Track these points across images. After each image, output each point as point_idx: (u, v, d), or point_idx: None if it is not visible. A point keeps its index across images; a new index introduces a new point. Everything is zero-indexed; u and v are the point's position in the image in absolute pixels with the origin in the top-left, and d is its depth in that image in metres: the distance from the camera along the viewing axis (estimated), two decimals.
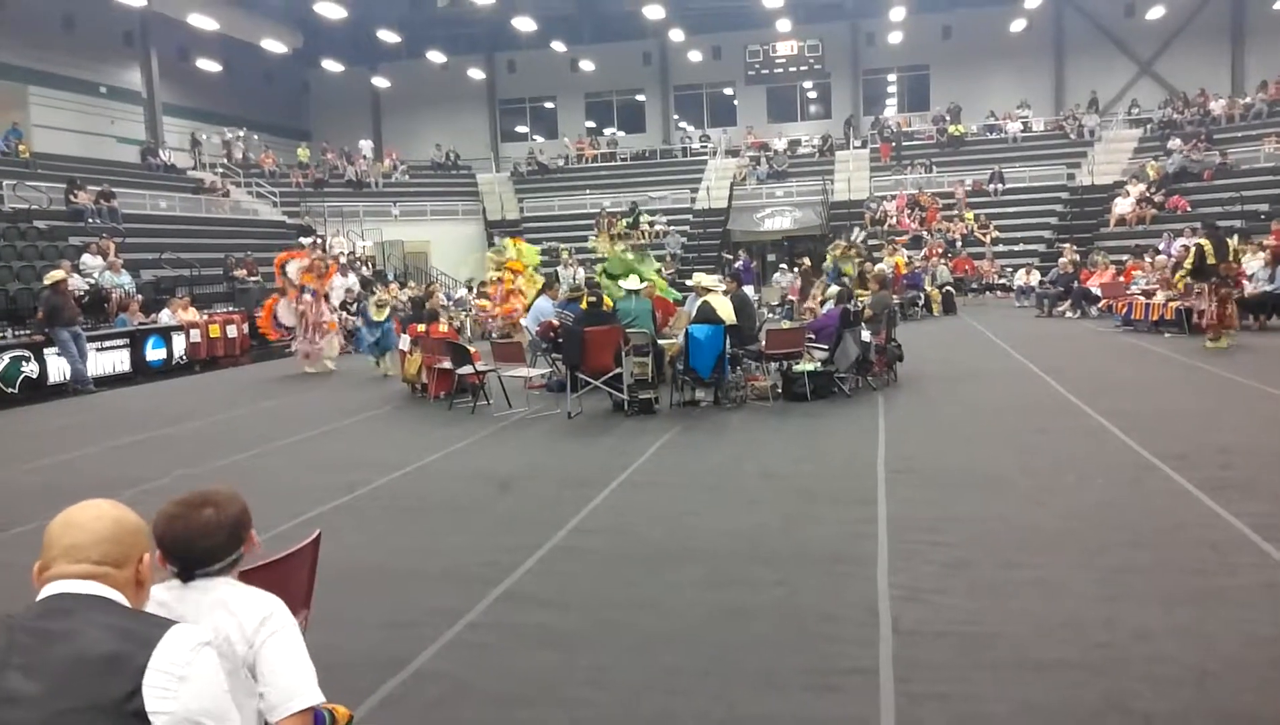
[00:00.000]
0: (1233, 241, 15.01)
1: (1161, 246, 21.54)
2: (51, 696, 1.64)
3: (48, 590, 1.82)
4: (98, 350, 15.52)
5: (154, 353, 16.69)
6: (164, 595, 2.24)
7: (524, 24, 32.88)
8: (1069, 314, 19.84)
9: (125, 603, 1.85)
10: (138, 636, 1.74)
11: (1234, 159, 27.60)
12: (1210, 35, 34.94)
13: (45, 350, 14.48)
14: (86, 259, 18.75)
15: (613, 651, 4.34)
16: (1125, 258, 21.46)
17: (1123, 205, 27.09)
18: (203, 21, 30.67)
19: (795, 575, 5.19)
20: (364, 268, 28.18)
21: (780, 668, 4.10)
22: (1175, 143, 29.29)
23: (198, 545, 2.29)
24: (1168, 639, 4.13)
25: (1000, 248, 28.31)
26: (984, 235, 28.80)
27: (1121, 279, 19.33)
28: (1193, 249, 14.38)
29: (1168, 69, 35.48)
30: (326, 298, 16.22)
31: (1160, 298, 16.08)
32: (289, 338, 16.62)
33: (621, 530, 6.22)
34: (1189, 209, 25.76)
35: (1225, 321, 13.72)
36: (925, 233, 28.60)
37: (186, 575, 2.29)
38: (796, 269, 24.73)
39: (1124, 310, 17.08)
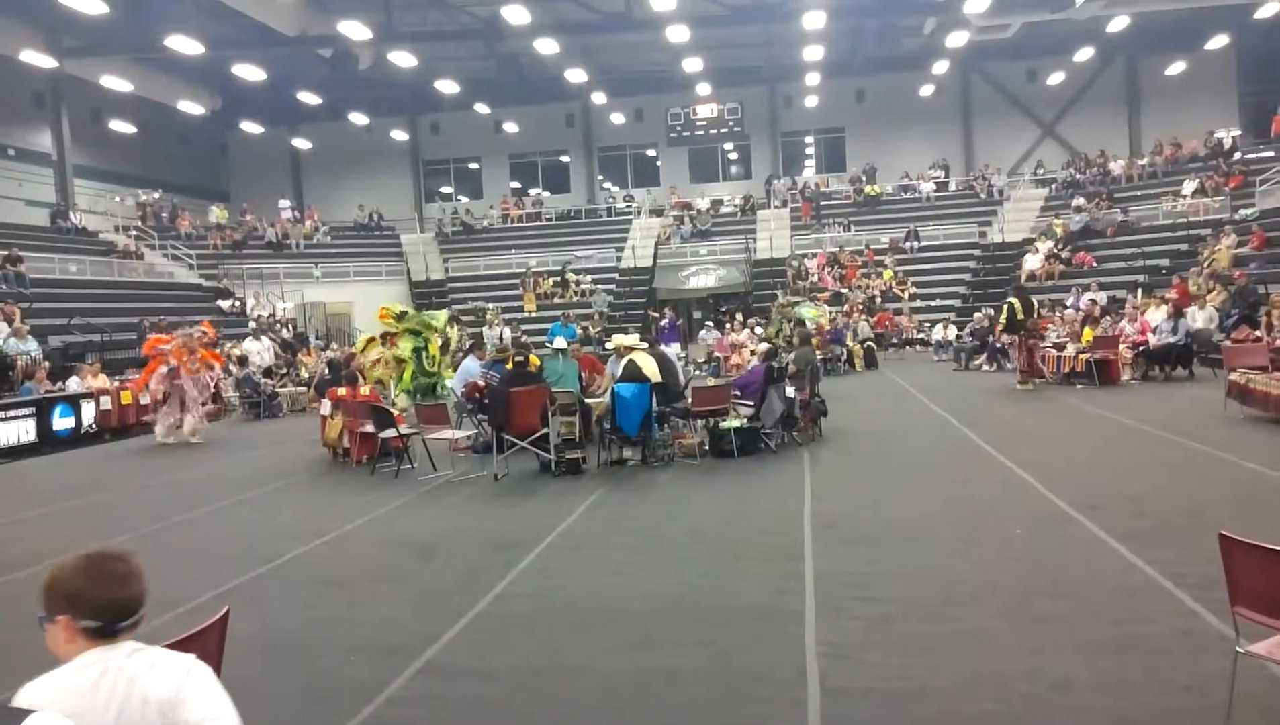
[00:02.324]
0: (1036, 302, 17.48)
1: (1070, 301, 22.31)
2: None
3: None
4: (1, 420, 14.89)
5: (61, 422, 16.04)
6: (88, 676, 2.05)
7: (447, 86, 33.04)
8: (985, 367, 20.35)
9: None
10: None
11: (1134, 216, 28.89)
12: (1107, 99, 36.74)
13: None
14: None
15: (539, 722, 4.24)
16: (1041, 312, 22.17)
17: (1032, 261, 28.07)
18: (116, 83, 30.14)
19: (723, 635, 5.15)
20: (285, 330, 27.71)
21: None
22: (1079, 201, 30.57)
23: (134, 590, 2.15)
24: (1088, 689, 4.19)
25: (918, 303, 29.05)
26: (902, 291, 29.53)
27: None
28: (1005, 307, 16.42)
29: (1069, 131, 37.15)
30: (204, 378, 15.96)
31: (1070, 351, 16.60)
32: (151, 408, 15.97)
33: (548, 594, 6.13)
34: (1094, 264, 26.81)
35: (1033, 369, 16.12)
36: (845, 289, 29.21)
37: (110, 633, 2.12)
38: (727, 325, 25.06)
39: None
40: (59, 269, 25.35)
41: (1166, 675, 4.27)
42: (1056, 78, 35.90)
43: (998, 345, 20.12)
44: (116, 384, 17.78)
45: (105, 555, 2.20)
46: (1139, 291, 21.89)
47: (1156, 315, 17.10)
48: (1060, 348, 17.12)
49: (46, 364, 17.56)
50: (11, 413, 15.21)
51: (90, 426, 16.59)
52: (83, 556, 2.19)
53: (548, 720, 4.25)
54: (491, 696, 4.54)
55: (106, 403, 17.02)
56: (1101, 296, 21.82)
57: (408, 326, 14.88)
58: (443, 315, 16.40)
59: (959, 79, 37.18)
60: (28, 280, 22.58)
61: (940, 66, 34.04)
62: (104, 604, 2.12)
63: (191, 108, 34.91)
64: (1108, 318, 18.05)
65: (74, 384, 17.01)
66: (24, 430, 15.34)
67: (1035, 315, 16.47)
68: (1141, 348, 16.43)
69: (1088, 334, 16.95)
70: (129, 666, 2.09)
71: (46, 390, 16.40)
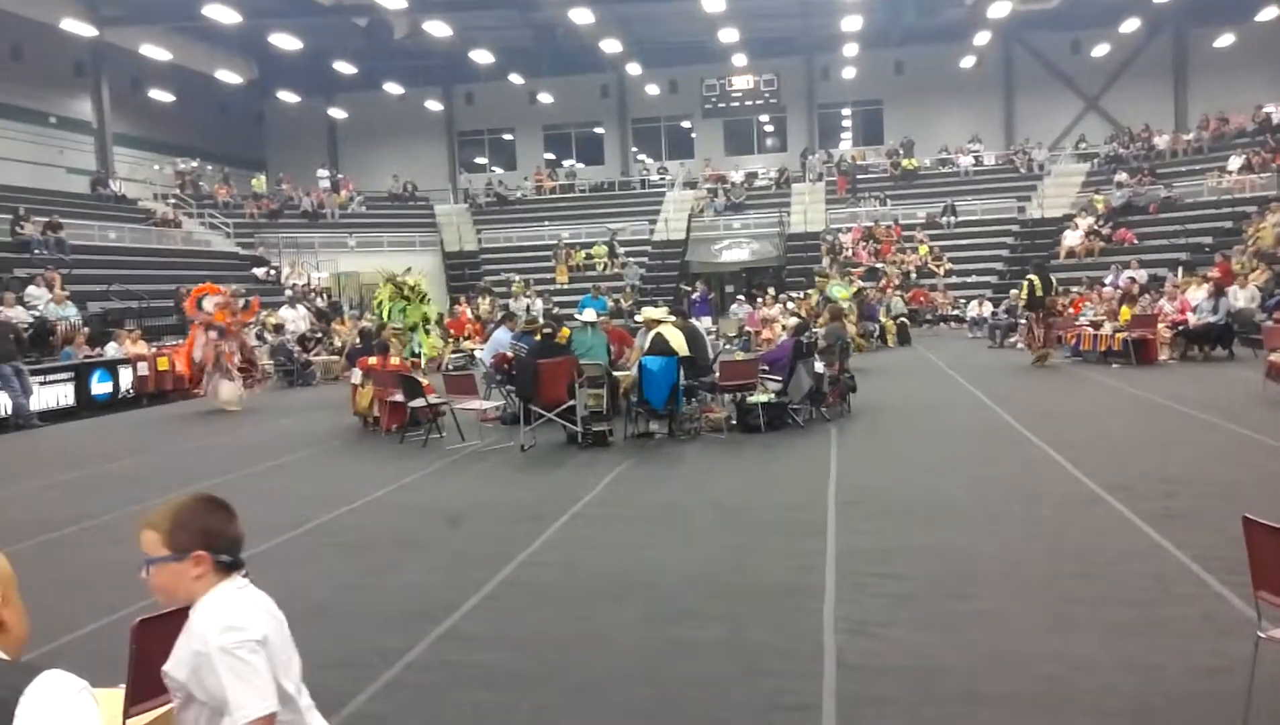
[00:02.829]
0: (1054, 279, 17.89)
1: (1109, 279, 21.95)
2: None
3: None
4: (41, 384, 15.17)
5: (100, 387, 16.32)
6: (254, 598, 2.22)
7: (482, 56, 32.98)
8: (1020, 345, 20.09)
9: None
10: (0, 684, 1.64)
11: (1178, 193, 28.28)
12: (1154, 72, 35.89)
13: None
14: (32, 291, 18.38)
15: (556, 691, 4.26)
16: (1075, 289, 21.84)
17: (1072, 237, 27.61)
18: (155, 52, 30.38)
19: (742, 609, 5.15)
20: (319, 299, 27.95)
21: (724, 704, 4.05)
22: (1121, 176, 29.97)
23: (241, 528, 2.32)
24: (1111, 670, 4.14)
25: (954, 279, 28.71)
26: (938, 267, 29.21)
27: (1071, 310, 19.65)
28: (1025, 284, 16.92)
29: (1113, 105, 36.37)
30: (242, 338, 15.84)
31: (1108, 329, 16.35)
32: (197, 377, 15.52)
33: (570, 565, 6.15)
34: (1135, 241, 26.34)
35: (1048, 343, 16.50)
36: (880, 265, 28.93)
37: (237, 566, 2.27)
38: (759, 300, 24.93)
39: (1073, 341, 17.35)
40: (99, 236, 25.69)
41: (1190, 658, 4.21)
42: (1101, 50, 35.07)
43: (1020, 321, 19.92)
44: (154, 350, 18.05)
45: (215, 497, 2.33)
46: (1180, 269, 21.46)
47: (1197, 294, 16.77)
48: (1097, 326, 16.86)
49: (86, 330, 17.83)
50: (51, 377, 15.49)
51: (128, 391, 16.86)
52: (199, 498, 2.30)
53: (566, 689, 4.27)
54: (511, 664, 4.56)
55: (144, 368, 17.29)
56: (1142, 274, 21.46)
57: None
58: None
59: (1001, 50, 36.48)
60: (68, 247, 22.89)
61: (982, 38, 33.42)
62: (233, 539, 2.28)
63: (229, 77, 35.11)
64: (1146, 296, 17.74)
65: (112, 349, 17.29)
66: (63, 394, 15.62)
67: (1054, 293, 16.88)
68: (1181, 327, 16.14)
69: (1125, 312, 16.67)
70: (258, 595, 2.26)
71: (85, 355, 16.68)
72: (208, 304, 15.45)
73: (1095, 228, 27.54)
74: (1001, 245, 30.50)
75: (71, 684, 1.68)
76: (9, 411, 14.24)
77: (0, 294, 16.97)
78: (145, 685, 2.83)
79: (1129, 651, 4.32)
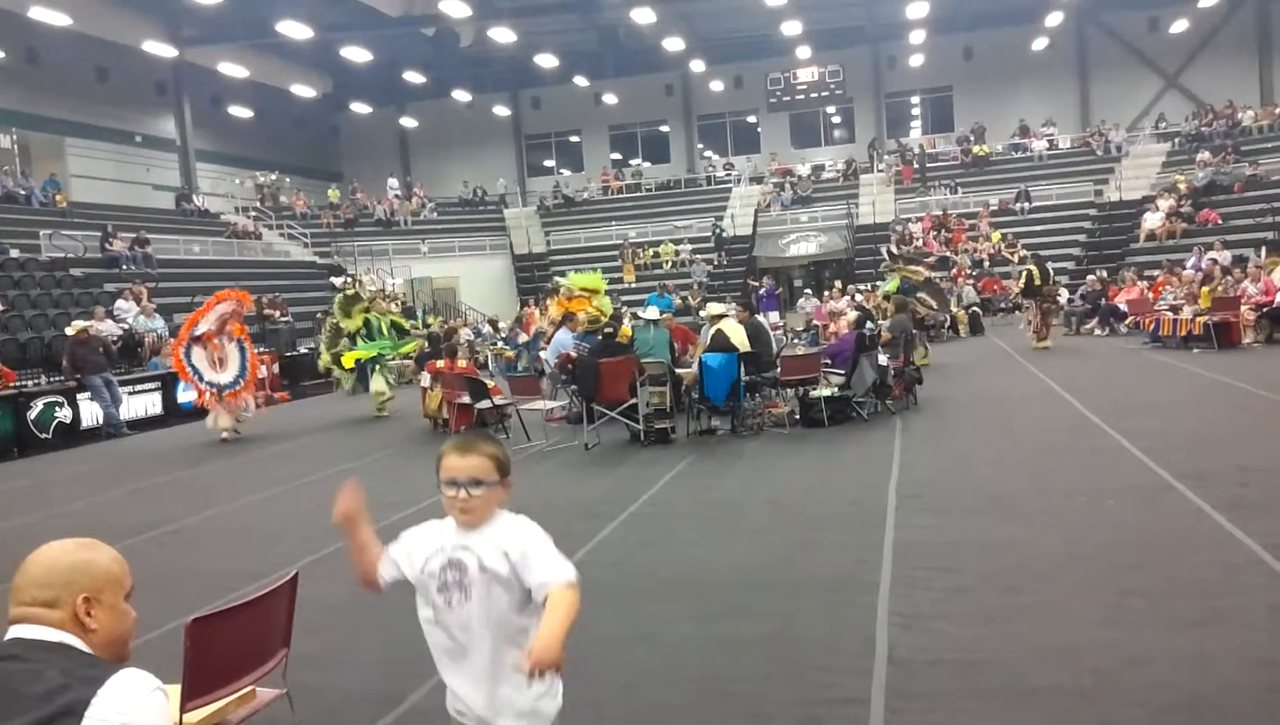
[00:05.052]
0: (1051, 270, 19.21)
1: (1190, 262, 21.25)
2: None
3: (8, 634, 1.87)
4: (130, 394, 15.81)
5: (185, 395, 16.92)
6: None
7: (547, 61, 33.34)
8: (1097, 331, 19.62)
9: (76, 645, 1.86)
10: (78, 680, 1.76)
11: (1264, 170, 27.22)
12: (1237, 46, 34.62)
13: (78, 396, 14.78)
14: (120, 304, 19.17)
15: (605, 688, 4.33)
16: (1157, 273, 21.22)
17: (1152, 220, 26.77)
18: (233, 69, 31.44)
19: (794, 605, 5.16)
20: (394, 305, 28.50)
21: (771, 700, 4.08)
22: (1204, 156, 28.98)
23: None
24: (1166, 664, 4.06)
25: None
26: (1011, 254, 28.58)
27: (1150, 295, 19.10)
28: (1024, 273, 18.46)
29: (1194, 82, 35.18)
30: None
31: (1188, 312, 15.85)
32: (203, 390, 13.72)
33: (625, 562, 6.23)
34: (1220, 222, 25.43)
35: (1046, 327, 17.44)
36: (951, 254, 28.44)
37: None
38: (826, 293, 24.72)
39: (1152, 326, 16.85)
40: (183, 250, 26.65)
41: (1251, 652, 4.09)
42: (1180, 26, 33.96)
43: (1112, 306, 19.43)
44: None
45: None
46: (1264, 249, 20.67)
47: None
48: (1176, 310, 16.35)
49: (172, 341, 18.49)
50: (139, 387, 16.15)
51: None
52: (493, 438, 2.69)
53: (612, 686, 4.33)
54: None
55: None
56: (1225, 256, 20.70)
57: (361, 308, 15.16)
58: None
59: (1074, 31, 35.57)
60: (155, 261, 23.82)
61: (1054, 19, 32.66)
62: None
63: (304, 91, 36.14)
64: (1229, 278, 17.13)
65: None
66: (151, 403, 16.28)
67: (1050, 282, 18.11)
68: (1265, 309, 15.56)
69: (1204, 295, 16.14)
70: None
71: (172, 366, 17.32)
72: (220, 310, 14.01)
73: (1177, 209, 26.66)
74: (1078, 230, 29.73)
75: (147, 681, 1.81)
76: (100, 421, 14.89)
77: (91, 308, 17.74)
78: (200, 681, 2.98)
79: (1187, 645, 4.22)
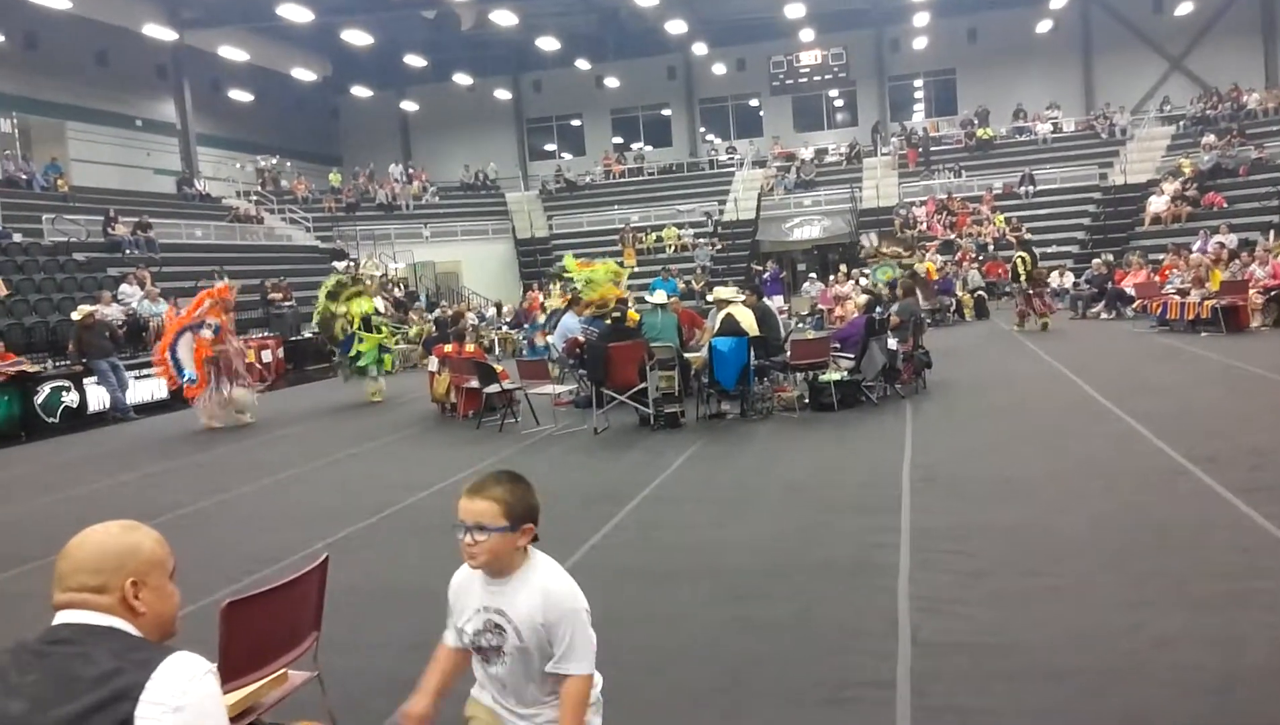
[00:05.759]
0: (1038, 254, 20.63)
1: (1196, 245, 21.20)
2: (34, 714, 1.66)
3: (55, 619, 1.86)
4: (136, 378, 15.80)
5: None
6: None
7: (548, 44, 33.15)
8: (1104, 315, 19.59)
9: (126, 629, 1.86)
10: (131, 664, 1.75)
11: (1270, 153, 27.11)
12: (1242, 29, 34.43)
13: (85, 380, 14.77)
14: (124, 288, 19.12)
15: (627, 670, 4.32)
16: (1162, 257, 21.17)
17: (1157, 203, 26.68)
18: (233, 53, 31.26)
19: (815, 588, 5.16)
20: (396, 289, 28.49)
21: (796, 682, 4.08)
22: (1209, 139, 28.86)
23: None
24: (1192, 646, 4.06)
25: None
26: (1016, 238, 28.48)
27: (1156, 278, 19.06)
28: (1014, 260, 19.24)
29: (1199, 65, 35.00)
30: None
31: (1195, 296, 15.82)
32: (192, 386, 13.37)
33: (642, 546, 6.23)
34: (1225, 205, 25.36)
35: (1031, 309, 18.17)
36: (956, 237, 28.36)
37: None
38: (832, 277, 24.69)
39: (1159, 310, 16.83)
40: (185, 234, 26.56)
41: (1276, 632, 4.10)
42: (1185, 8, 33.76)
43: (1119, 290, 19.41)
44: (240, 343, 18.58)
45: (522, 476, 2.55)
46: (1271, 232, 20.62)
47: None
48: (1184, 294, 16.32)
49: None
50: (145, 372, 16.11)
51: None
52: (518, 477, 2.52)
53: (634, 669, 4.33)
54: None
55: None
56: (1231, 239, 20.67)
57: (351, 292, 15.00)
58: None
59: (1078, 13, 35.36)
60: (157, 246, 23.76)
61: (1058, 1, 32.44)
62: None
63: (304, 74, 35.96)
64: (1236, 261, 17.09)
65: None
66: (157, 388, 16.24)
67: (1037, 267, 18.93)
68: (1273, 292, 15.53)
69: (1215, 278, 16.10)
70: None
71: None
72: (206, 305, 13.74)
73: (1182, 192, 26.58)
74: (1083, 213, 29.62)
75: (200, 665, 1.82)
76: (106, 405, 14.88)
77: (95, 292, 17.70)
78: (235, 664, 2.98)
79: (1212, 626, 4.22)
